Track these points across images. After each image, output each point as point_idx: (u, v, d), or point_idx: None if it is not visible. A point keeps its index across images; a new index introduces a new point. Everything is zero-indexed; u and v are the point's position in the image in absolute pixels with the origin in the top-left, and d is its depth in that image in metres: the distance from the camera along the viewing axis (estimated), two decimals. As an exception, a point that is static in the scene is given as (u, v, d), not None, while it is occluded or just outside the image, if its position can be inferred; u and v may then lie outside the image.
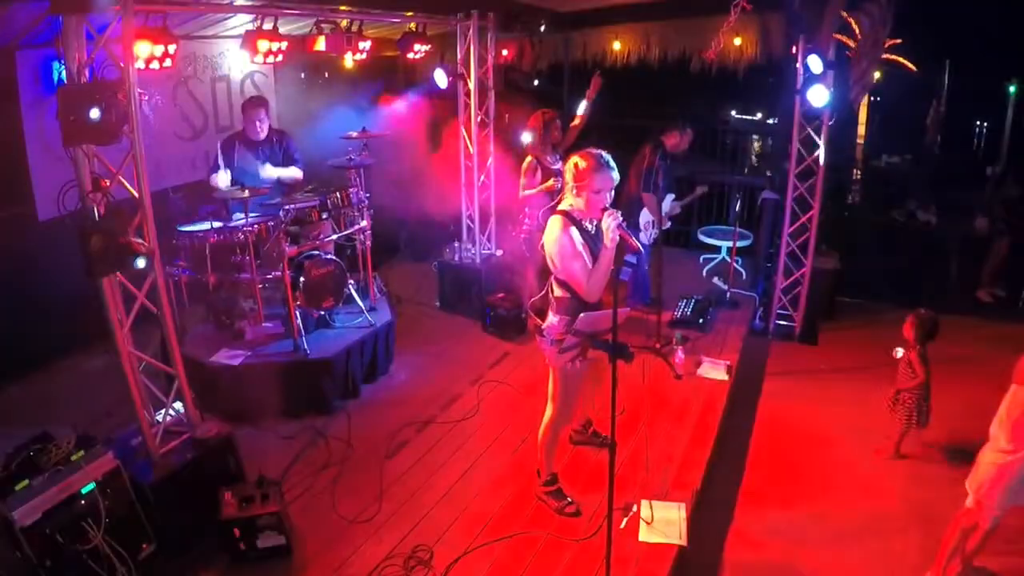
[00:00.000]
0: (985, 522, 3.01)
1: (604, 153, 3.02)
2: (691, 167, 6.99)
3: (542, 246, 3.17)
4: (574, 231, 3.02)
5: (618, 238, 2.86)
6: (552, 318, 3.17)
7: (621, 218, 2.85)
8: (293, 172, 5.09)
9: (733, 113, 10.70)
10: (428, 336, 5.71)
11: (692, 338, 5.41)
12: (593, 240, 3.07)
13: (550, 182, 5.27)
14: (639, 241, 3.20)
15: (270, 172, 4.97)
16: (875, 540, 3.57)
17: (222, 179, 4.71)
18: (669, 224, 6.27)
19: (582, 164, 2.98)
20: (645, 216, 5.56)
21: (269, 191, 4.76)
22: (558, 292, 3.14)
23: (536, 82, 8.37)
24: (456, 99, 6.03)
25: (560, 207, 3.12)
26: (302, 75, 6.98)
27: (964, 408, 4.16)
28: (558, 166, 5.27)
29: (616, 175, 3.01)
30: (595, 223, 3.13)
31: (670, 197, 6.05)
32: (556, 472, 3.59)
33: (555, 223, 3.05)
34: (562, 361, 3.16)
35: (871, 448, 4.34)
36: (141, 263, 2.91)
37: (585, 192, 2.99)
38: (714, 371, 4.95)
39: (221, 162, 4.80)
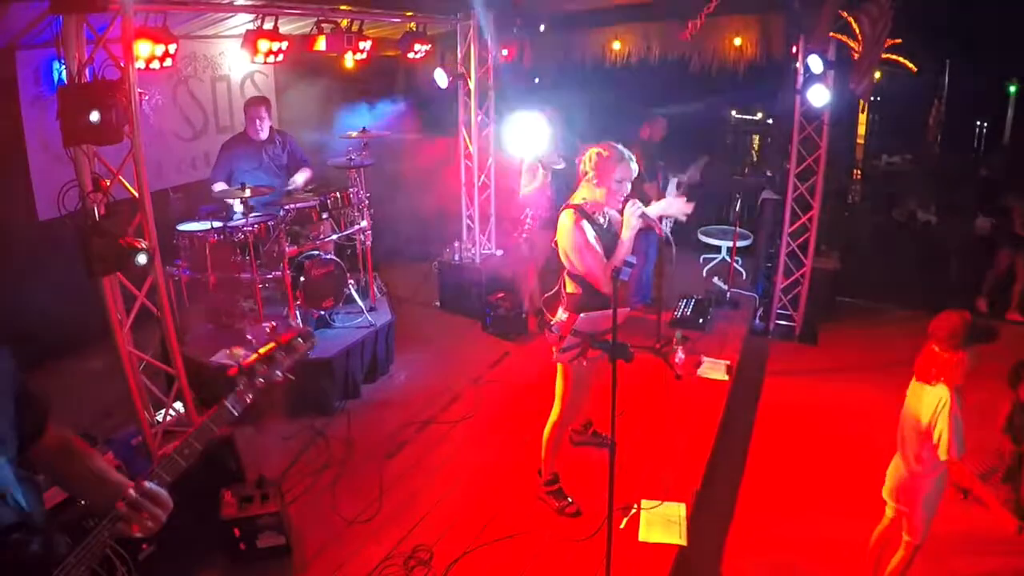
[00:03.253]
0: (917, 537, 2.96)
1: (620, 145, 3.07)
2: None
3: (555, 242, 3.18)
4: (586, 224, 3.04)
5: (639, 226, 2.93)
6: (562, 314, 3.19)
7: (643, 207, 2.94)
8: (305, 174, 5.12)
9: (733, 113, 10.69)
10: (428, 336, 5.70)
11: (692, 338, 5.40)
12: (605, 233, 3.10)
13: (540, 175, 5.24)
14: (655, 226, 3.27)
15: (298, 181, 5.00)
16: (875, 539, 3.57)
17: (219, 188, 4.78)
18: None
19: (605, 154, 3.01)
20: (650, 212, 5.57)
21: (271, 191, 4.76)
22: (571, 288, 3.16)
23: (537, 79, 8.37)
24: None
25: (572, 200, 3.13)
26: (302, 75, 6.98)
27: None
28: (560, 165, 5.27)
29: (635, 166, 3.07)
30: (607, 216, 3.15)
31: (674, 182, 6.07)
32: (557, 472, 3.59)
33: (567, 217, 3.07)
34: (567, 358, 3.17)
35: (870, 446, 4.36)
36: (142, 259, 2.90)
37: (607, 182, 3.02)
38: (714, 371, 4.95)
39: (220, 171, 4.87)
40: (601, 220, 3.13)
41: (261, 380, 1.76)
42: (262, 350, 1.79)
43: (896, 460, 3.00)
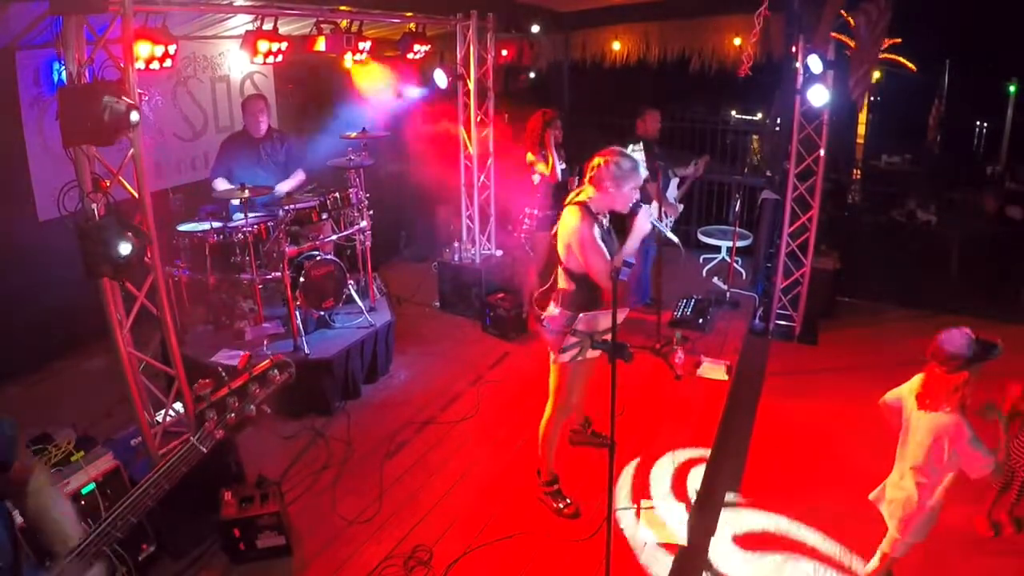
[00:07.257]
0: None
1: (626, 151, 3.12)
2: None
3: (553, 235, 3.19)
4: (593, 224, 3.06)
5: (648, 229, 2.99)
6: (553, 309, 3.20)
7: (654, 213, 2.95)
8: (298, 177, 5.10)
9: (733, 113, 10.71)
10: (428, 336, 5.71)
11: (692, 338, 5.41)
12: (605, 235, 3.13)
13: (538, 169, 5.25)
14: (664, 233, 3.34)
15: (282, 188, 4.97)
16: (875, 539, 3.57)
17: (220, 185, 4.77)
18: (682, 207, 6.27)
19: (614, 164, 3.03)
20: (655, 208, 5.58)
21: (270, 191, 4.76)
22: (563, 284, 3.17)
23: (532, 74, 8.38)
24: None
25: (578, 199, 3.14)
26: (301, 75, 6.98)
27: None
28: (560, 166, 5.28)
29: (644, 171, 3.15)
30: (608, 218, 3.19)
31: (674, 182, 6.05)
32: (556, 472, 3.59)
33: (574, 213, 3.08)
34: (568, 357, 3.18)
35: (870, 446, 4.35)
36: (126, 249, 2.74)
37: (621, 188, 3.04)
38: (714, 371, 4.95)
39: (219, 168, 4.87)
40: (604, 221, 3.16)
41: (232, 416, 1.62)
42: (234, 383, 1.64)
43: (895, 476, 2.92)
